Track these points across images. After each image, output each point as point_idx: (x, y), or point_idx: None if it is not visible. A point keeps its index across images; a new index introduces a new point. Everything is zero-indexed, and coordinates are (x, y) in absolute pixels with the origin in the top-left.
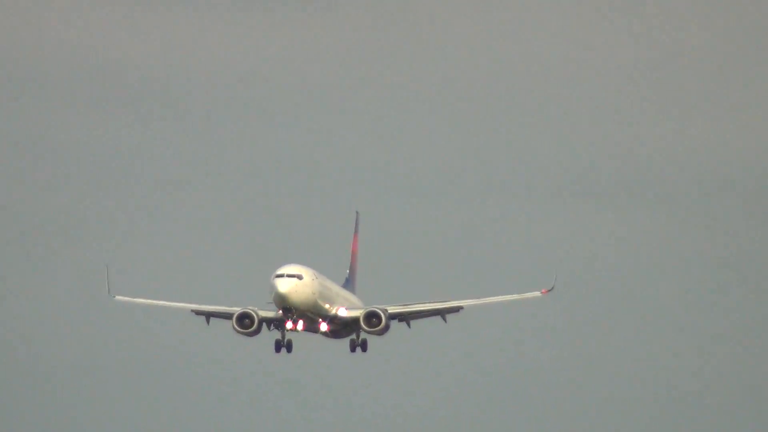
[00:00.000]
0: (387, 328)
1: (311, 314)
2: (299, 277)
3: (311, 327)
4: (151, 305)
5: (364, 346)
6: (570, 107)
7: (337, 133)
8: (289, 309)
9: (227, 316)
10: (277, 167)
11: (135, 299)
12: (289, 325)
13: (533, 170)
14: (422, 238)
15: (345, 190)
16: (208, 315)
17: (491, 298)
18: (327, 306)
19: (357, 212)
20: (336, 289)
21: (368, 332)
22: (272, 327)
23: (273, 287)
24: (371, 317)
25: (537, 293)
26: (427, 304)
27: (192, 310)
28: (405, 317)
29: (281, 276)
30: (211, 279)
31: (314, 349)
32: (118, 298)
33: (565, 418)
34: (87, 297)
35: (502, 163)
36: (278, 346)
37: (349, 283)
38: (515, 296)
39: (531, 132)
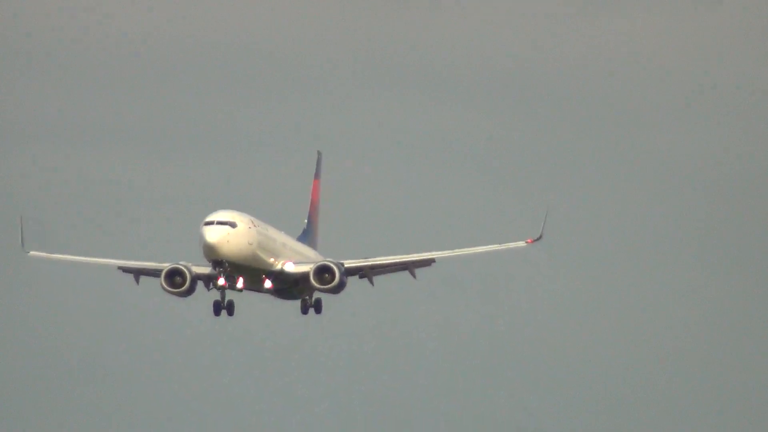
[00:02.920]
0: (342, 285)
1: (250, 269)
2: (232, 225)
3: (254, 285)
4: (72, 261)
5: (317, 307)
6: (551, 46)
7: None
8: (220, 262)
9: (157, 273)
10: (222, 102)
11: (52, 255)
12: (221, 281)
13: (516, 113)
14: (395, 187)
15: (305, 128)
16: (137, 272)
17: (468, 249)
18: (271, 260)
19: (319, 153)
20: (282, 239)
21: (320, 290)
22: (211, 286)
23: (201, 237)
24: (323, 272)
25: (522, 243)
26: (393, 257)
27: (119, 267)
28: (366, 273)
29: (210, 223)
30: (143, 231)
31: (260, 310)
32: (33, 253)
33: (552, 386)
34: None
35: (481, 104)
36: (217, 308)
37: (307, 235)
38: (496, 246)
39: (514, 73)
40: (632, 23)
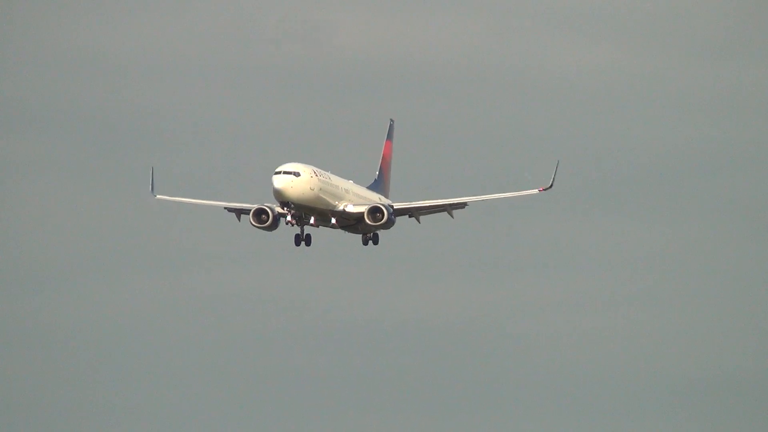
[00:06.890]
0: (390, 222)
1: (315, 209)
2: (296, 174)
3: (324, 222)
4: (189, 203)
5: (375, 240)
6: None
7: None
8: (287, 203)
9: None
10: (316, 76)
11: (174, 198)
12: (288, 218)
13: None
14: (462, 140)
15: (377, 98)
16: (238, 212)
17: (492, 195)
18: (335, 202)
19: (391, 120)
20: (346, 186)
21: (373, 227)
22: (291, 223)
23: (272, 184)
24: (375, 212)
25: (534, 191)
26: (433, 201)
27: (224, 207)
28: (414, 213)
29: (278, 173)
30: (247, 179)
31: (331, 242)
32: (160, 197)
33: (563, 303)
34: (132, 196)
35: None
36: (297, 240)
37: (378, 184)
38: (513, 193)
39: (539, 33)
40: None
